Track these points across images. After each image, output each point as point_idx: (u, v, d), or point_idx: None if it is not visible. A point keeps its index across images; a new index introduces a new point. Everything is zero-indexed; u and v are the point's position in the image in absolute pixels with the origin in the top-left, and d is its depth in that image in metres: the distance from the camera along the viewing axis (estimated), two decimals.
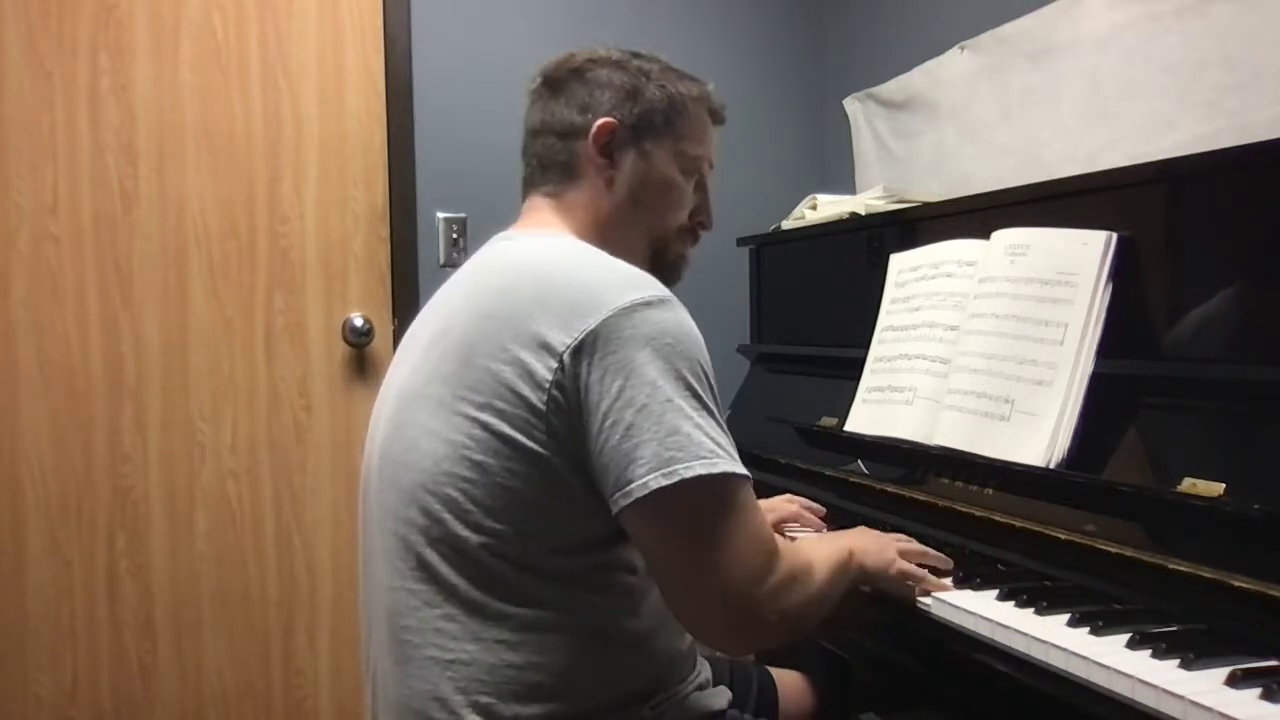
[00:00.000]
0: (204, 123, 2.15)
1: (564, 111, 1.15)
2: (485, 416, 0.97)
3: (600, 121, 1.13)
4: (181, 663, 2.15)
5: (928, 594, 1.16)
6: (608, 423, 0.93)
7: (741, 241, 2.25)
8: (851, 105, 2.52)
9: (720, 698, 1.14)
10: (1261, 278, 1.12)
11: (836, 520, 1.51)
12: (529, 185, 1.20)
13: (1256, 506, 0.98)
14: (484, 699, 0.97)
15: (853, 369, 1.65)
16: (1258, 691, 0.83)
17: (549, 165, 1.16)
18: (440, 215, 2.33)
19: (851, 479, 1.59)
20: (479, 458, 0.97)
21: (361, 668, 1.14)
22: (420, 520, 1.00)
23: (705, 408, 0.96)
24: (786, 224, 2.14)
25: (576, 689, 0.99)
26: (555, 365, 0.95)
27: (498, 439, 0.96)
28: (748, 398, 2.10)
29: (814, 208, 2.09)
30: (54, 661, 2.07)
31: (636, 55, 1.19)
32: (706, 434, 0.95)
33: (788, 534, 1.45)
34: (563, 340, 0.95)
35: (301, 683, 2.25)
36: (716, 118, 1.24)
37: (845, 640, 1.38)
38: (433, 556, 0.99)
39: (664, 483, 0.91)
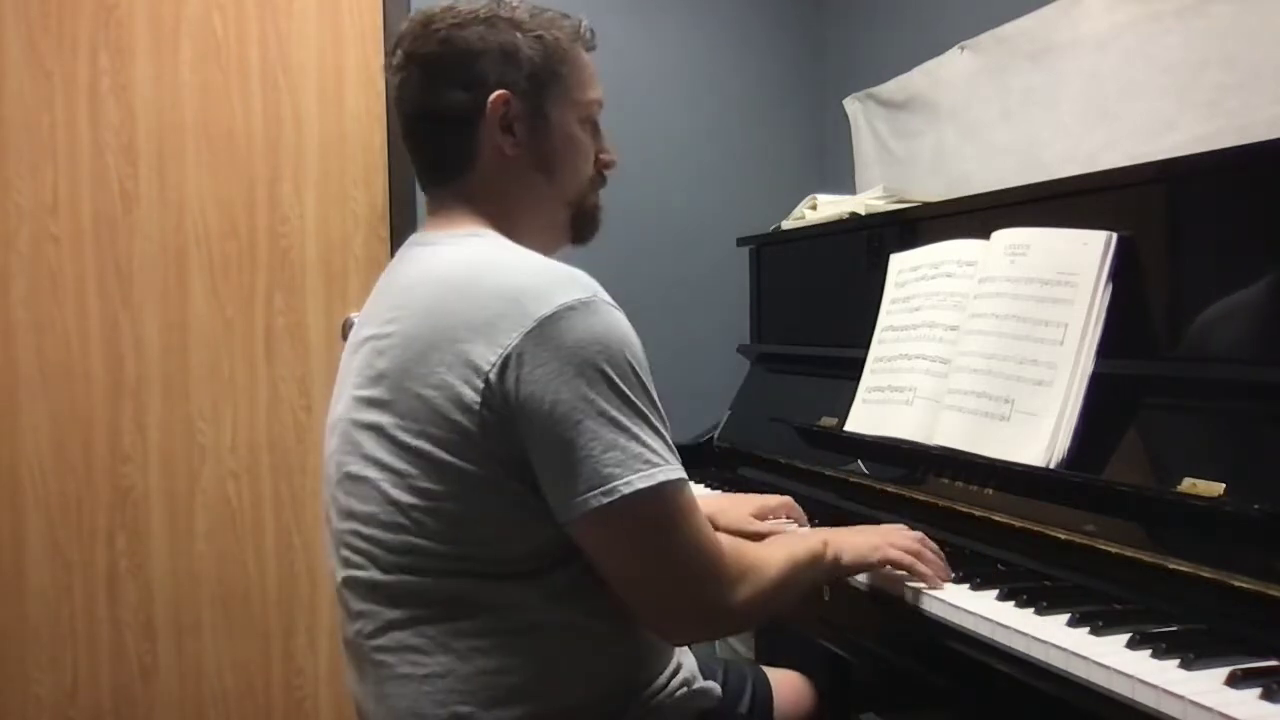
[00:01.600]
0: (204, 123, 2.15)
1: (447, 94, 1.06)
2: (421, 444, 0.95)
3: (493, 97, 1.05)
4: (181, 663, 2.15)
5: (917, 583, 1.16)
6: (545, 440, 0.93)
7: (741, 241, 2.25)
8: (851, 105, 2.52)
9: (709, 696, 1.14)
10: (1261, 278, 1.12)
11: (837, 521, 1.50)
12: (427, 181, 1.13)
13: (1256, 506, 0.98)
14: (463, 709, 0.97)
15: (853, 369, 1.65)
16: (1258, 691, 0.83)
17: (443, 155, 1.09)
18: None
19: (851, 479, 1.59)
20: (423, 484, 0.96)
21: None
22: (377, 550, 0.99)
23: (638, 412, 0.95)
24: (786, 224, 2.14)
25: (555, 686, 0.99)
26: (482, 386, 0.93)
27: (437, 466, 0.95)
28: (748, 398, 2.10)
29: (814, 208, 2.09)
30: (54, 662, 2.07)
31: (496, 5, 1.09)
32: (642, 442, 0.94)
33: (772, 517, 1.44)
34: (487, 359, 0.93)
35: (301, 683, 2.25)
36: (589, 47, 1.14)
37: (845, 640, 1.38)
38: (394, 581, 0.99)
39: (604, 500, 0.92)
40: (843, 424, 1.63)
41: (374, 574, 1.00)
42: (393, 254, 2.24)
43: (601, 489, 0.92)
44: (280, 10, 2.19)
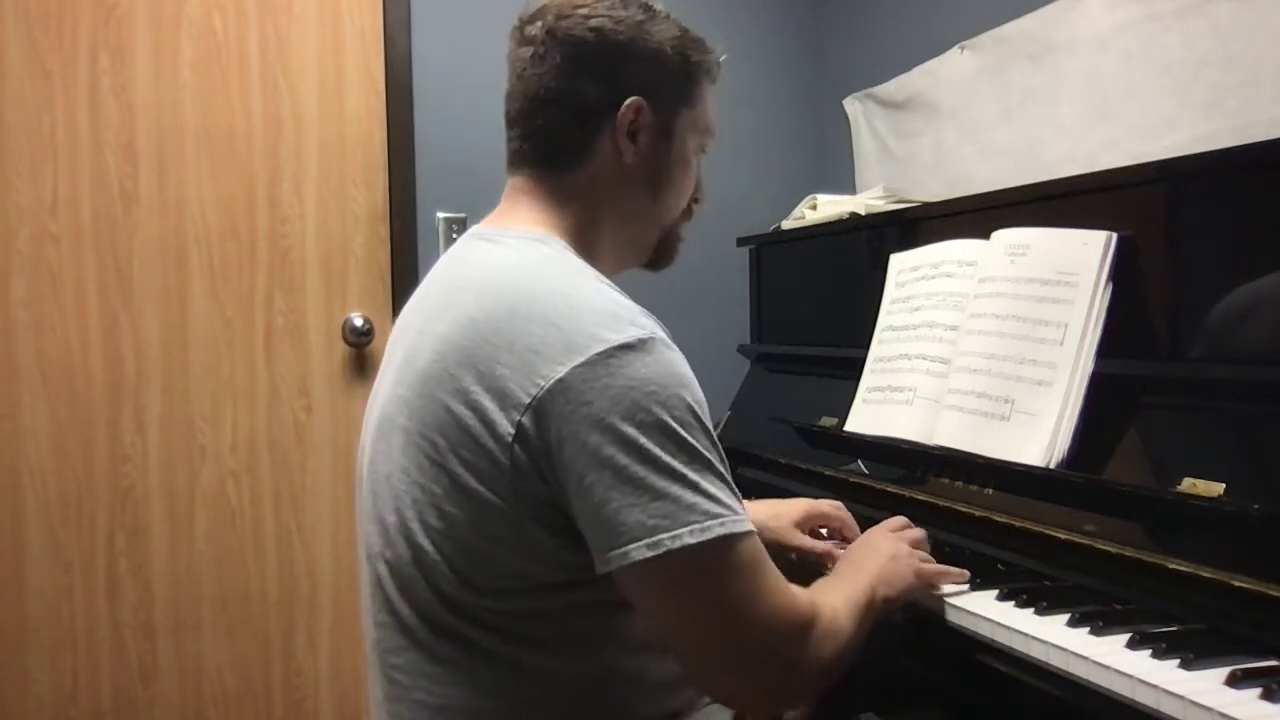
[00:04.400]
0: (204, 123, 2.15)
1: (582, 84, 1.00)
2: (450, 464, 0.90)
3: (630, 101, 1.01)
4: (181, 663, 2.15)
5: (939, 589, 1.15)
6: (585, 483, 0.85)
7: (741, 241, 2.25)
8: (851, 105, 2.52)
9: (721, 714, 1.09)
10: (1262, 278, 1.12)
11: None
12: (523, 161, 1.05)
13: (1256, 506, 0.98)
14: None
15: (853, 369, 1.65)
16: (1258, 691, 0.83)
17: (555, 144, 1.03)
18: (440, 215, 2.33)
19: (851, 479, 1.59)
20: (448, 508, 0.91)
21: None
22: (396, 562, 0.95)
23: (696, 457, 0.87)
24: (786, 224, 2.14)
25: None
26: (517, 419, 0.86)
27: (462, 491, 0.90)
28: (748, 398, 2.10)
29: (814, 208, 2.09)
30: (54, 662, 2.07)
31: (649, 11, 1.04)
32: (699, 490, 0.86)
33: (823, 535, 1.40)
34: (527, 390, 0.86)
35: (301, 683, 2.25)
36: (714, 81, 1.11)
37: None
38: (411, 599, 0.95)
39: (648, 554, 0.84)
40: (843, 424, 1.63)
41: (392, 589, 0.96)
42: (393, 254, 2.29)
43: (645, 541, 0.84)
44: (280, 10, 2.19)
